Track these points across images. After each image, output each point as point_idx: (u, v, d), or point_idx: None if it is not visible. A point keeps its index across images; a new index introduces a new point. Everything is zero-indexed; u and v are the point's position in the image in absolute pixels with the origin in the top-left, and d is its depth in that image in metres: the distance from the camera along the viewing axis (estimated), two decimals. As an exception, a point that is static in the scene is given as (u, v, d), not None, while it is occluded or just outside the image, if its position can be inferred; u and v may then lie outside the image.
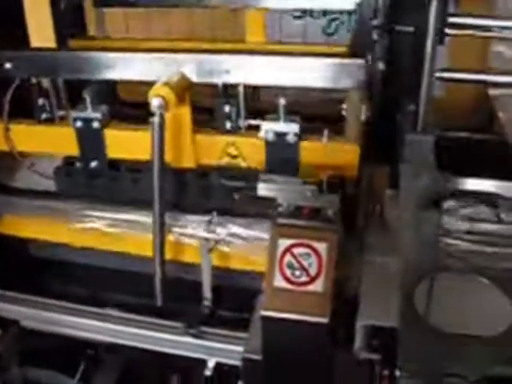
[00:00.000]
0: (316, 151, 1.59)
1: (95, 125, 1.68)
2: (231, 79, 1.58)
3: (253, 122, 1.63)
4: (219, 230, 1.68)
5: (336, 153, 1.58)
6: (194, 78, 1.58)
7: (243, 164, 1.65)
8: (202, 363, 1.70)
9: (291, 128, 1.57)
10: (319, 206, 1.42)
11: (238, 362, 1.50)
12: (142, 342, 1.76)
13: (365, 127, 1.60)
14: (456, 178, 1.41)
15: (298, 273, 1.36)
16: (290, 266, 1.36)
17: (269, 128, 1.58)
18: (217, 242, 1.68)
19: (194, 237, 1.70)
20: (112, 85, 1.86)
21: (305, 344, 1.36)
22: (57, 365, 1.99)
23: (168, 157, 1.61)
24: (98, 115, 1.67)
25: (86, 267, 1.92)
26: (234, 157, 1.64)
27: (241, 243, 1.67)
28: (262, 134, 1.59)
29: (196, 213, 1.72)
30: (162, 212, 1.59)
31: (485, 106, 1.91)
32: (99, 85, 1.73)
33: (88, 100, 1.66)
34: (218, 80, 1.59)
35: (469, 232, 1.38)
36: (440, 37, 1.53)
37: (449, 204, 1.39)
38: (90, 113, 1.68)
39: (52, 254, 1.97)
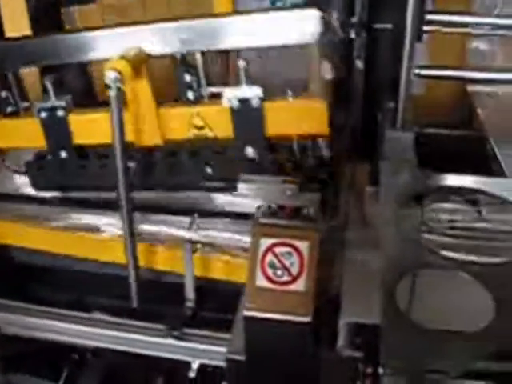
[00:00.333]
0: (282, 112, 1.56)
1: (60, 113, 1.66)
2: (189, 48, 1.56)
3: (214, 89, 1.60)
4: (201, 231, 1.68)
5: (303, 111, 1.56)
6: (153, 51, 1.56)
7: (210, 134, 1.62)
8: (186, 365, 1.69)
9: (254, 92, 1.54)
10: (300, 204, 1.42)
11: (222, 363, 1.50)
12: (125, 345, 1.75)
13: (332, 87, 1.58)
14: (436, 175, 1.41)
15: (279, 272, 1.35)
16: (272, 266, 1.36)
17: (231, 95, 1.55)
18: (199, 243, 1.68)
19: (176, 238, 1.70)
20: (87, 83, 1.83)
21: (288, 343, 1.35)
22: (40, 370, 1.97)
23: (133, 136, 1.60)
24: (62, 103, 1.66)
25: (67, 271, 1.91)
26: (201, 128, 1.62)
27: (223, 244, 1.67)
28: (225, 101, 1.56)
29: (176, 211, 1.71)
30: (129, 193, 1.57)
31: (465, 103, 1.92)
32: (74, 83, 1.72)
33: (51, 89, 1.64)
34: (176, 50, 1.57)
35: (450, 228, 1.39)
36: (418, 34, 1.53)
37: (429, 200, 1.40)
38: (53, 102, 1.66)
39: (33, 259, 1.95)
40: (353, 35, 1.66)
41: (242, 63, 1.51)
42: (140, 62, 1.53)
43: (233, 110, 1.56)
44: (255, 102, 1.54)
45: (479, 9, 1.85)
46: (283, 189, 1.43)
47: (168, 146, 1.68)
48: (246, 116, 1.56)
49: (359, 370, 1.25)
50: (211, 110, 1.61)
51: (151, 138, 1.64)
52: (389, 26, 1.66)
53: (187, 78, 1.59)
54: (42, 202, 1.85)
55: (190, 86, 1.60)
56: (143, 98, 1.58)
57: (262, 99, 1.54)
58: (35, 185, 1.82)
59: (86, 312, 1.84)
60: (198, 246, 1.68)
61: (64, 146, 1.72)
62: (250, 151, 1.59)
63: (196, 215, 1.67)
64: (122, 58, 1.48)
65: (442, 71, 1.65)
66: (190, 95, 1.61)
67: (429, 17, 1.61)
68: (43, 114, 1.67)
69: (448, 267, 1.20)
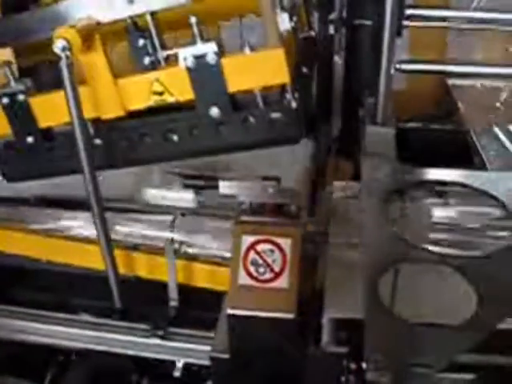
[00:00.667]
0: (241, 66, 1.51)
1: (20, 97, 1.64)
2: (136, 10, 1.51)
3: (170, 52, 1.55)
4: (184, 229, 1.68)
5: (261, 62, 1.50)
6: (101, 18, 1.51)
7: (171, 99, 1.57)
8: (171, 364, 1.69)
9: (209, 48, 1.49)
10: (282, 201, 1.42)
11: (207, 362, 1.49)
12: (110, 346, 1.74)
13: (292, 37, 1.55)
14: (417, 169, 1.42)
15: (262, 270, 1.35)
16: (255, 263, 1.35)
17: (186, 54, 1.50)
18: (182, 242, 1.67)
19: (159, 237, 1.69)
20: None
21: (272, 340, 1.35)
22: (25, 372, 1.96)
23: (94, 111, 1.58)
24: (21, 87, 1.64)
25: (51, 273, 1.89)
26: (160, 93, 1.58)
27: (205, 243, 1.66)
28: (181, 61, 1.51)
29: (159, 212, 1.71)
30: (94, 169, 1.54)
31: (447, 97, 1.92)
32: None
33: (9, 74, 1.62)
34: (124, 14, 1.52)
35: (431, 222, 1.39)
36: (398, 29, 1.53)
37: (411, 194, 1.40)
38: (13, 87, 1.63)
39: (16, 262, 1.93)
40: (332, 31, 1.65)
41: (193, 19, 1.46)
42: (90, 31, 1.49)
43: (190, 70, 1.52)
44: (211, 58, 1.49)
45: (457, 3, 1.86)
46: (264, 186, 1.42)
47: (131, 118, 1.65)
48: (205, 74, 1.51)
49: (343, 366, 1.26)
50: (169, 73, 1.56)
51: (112, 110, 1.61)
52: (368, 22, 1.66)
53: (141, 42, 1.55)
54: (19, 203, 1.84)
55: (144, 52, 1.56)
56: (100, 71, 1.55)
57: (219, 54, 1.49)
58: (5, 175, 1.80)
59: (70, 314, 1.82)
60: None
61: (30, 132, 1.70)
62: (214, 111, 1.57)
63: (178, 214, 1.67)
64: (72, 26, 1.45)
65: (422, 65, 1.66)
66: (146, 60, 1.58)
67: (408, 11, 1.62)
68: (5, 100, 1.66)
69: (430, 261, 1.20)
